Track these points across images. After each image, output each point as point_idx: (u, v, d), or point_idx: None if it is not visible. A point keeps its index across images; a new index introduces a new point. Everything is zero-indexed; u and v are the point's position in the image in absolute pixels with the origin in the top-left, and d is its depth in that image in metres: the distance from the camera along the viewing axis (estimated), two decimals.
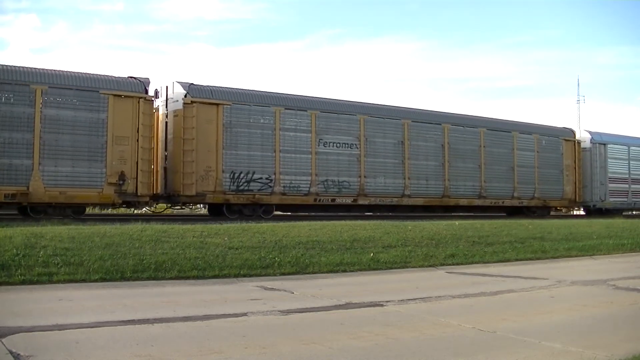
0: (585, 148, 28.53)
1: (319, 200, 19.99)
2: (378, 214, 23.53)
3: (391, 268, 10.42)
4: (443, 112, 24.23)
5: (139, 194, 16.72)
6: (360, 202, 20.88)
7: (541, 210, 26.44)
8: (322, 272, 9.70)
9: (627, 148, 29.94)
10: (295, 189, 19.46)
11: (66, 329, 5.42)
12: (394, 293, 7.94)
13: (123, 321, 5.80)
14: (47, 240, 9.59)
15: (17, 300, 6.94)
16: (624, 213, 30.24)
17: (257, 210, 18.97)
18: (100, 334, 5.30)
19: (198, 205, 23.84)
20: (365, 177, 20.89)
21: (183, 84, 18.15)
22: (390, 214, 23.14)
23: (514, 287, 8.75)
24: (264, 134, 19.04)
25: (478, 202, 23.90)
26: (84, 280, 8.01)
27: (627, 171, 29.95)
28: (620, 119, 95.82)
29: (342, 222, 15.25)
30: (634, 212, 32.82)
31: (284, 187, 19.22)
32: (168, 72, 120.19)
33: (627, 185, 29.76)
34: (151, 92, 17.27)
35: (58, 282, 7.85)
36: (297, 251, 10.64)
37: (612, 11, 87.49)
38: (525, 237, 14.48)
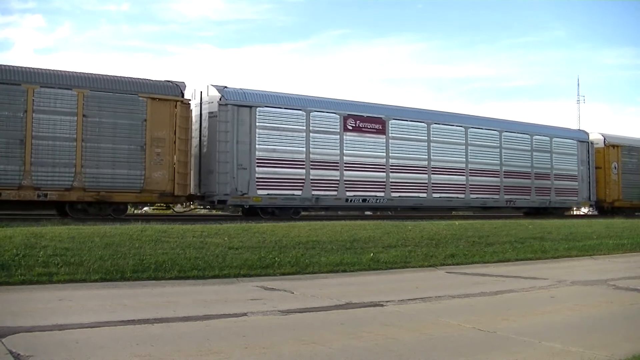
0: (211, 112, 18.50)
1: None
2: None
3: (391, 268, 10.42)
4: None
5: None
6: None
7: (96, 209, 16.48)
8: (322, 272, 9.70)
9: (304, 114, 19.56)
10: None
11: (66, 329, 5.42)
12: (394, 293, 7.94)
13: (123, 321, 5.80)
14: (47, 240, 9.59)
15: (17, 300, 6.93)
16: (302, 214, 20.05)
17: None
18: (100, 334, 5.31)
19: None
20: None
21: None
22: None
23: (514, 287, 8.75)
24: None
25: None
26: (84, 280, 8.00)
27: (304, 149, 19.47)
28: (622, 120, 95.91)
29: (342, 222, 15.26)
30: (348, 214, 22.31)
31: None
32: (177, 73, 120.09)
33: (302, 171, 19.38)
34: None
35: (58, 282, 7.84)
36: (297, 251, 10.64)
37: (615, 12, 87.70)
38: (525, 237, 14.49)
